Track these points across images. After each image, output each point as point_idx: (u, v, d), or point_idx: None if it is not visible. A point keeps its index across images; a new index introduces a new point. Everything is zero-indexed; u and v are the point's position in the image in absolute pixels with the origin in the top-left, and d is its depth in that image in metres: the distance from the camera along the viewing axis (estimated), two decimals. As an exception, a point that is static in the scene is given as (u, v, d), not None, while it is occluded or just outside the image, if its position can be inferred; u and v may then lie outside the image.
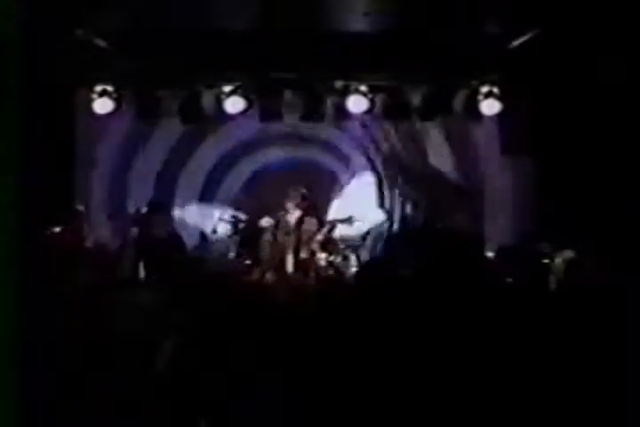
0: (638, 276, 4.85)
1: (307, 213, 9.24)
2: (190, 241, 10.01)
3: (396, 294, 4.30)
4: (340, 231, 9.48)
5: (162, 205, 9.55)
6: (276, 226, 9.21)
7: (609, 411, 3.71)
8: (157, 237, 8.84)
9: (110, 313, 3.96)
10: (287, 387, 3.69)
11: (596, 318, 4.15)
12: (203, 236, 10.24)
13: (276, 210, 9.33)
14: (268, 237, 9.16)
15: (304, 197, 9.21)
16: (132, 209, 9.57)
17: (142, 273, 8.20)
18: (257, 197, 9.85)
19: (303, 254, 8.98)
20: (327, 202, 9.89)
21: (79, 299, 4.34)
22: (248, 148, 10.31)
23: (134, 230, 8.95)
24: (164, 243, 8.79)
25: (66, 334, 3.85)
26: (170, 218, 9.74)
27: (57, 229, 8.33)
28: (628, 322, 4.06)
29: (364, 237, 9.93)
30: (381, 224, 10.11)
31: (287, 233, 9.16)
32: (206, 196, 10.46)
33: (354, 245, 9.59)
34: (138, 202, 9.68)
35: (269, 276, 8.61)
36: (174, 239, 9.14)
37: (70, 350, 3.74)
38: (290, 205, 9.24)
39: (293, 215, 9.26)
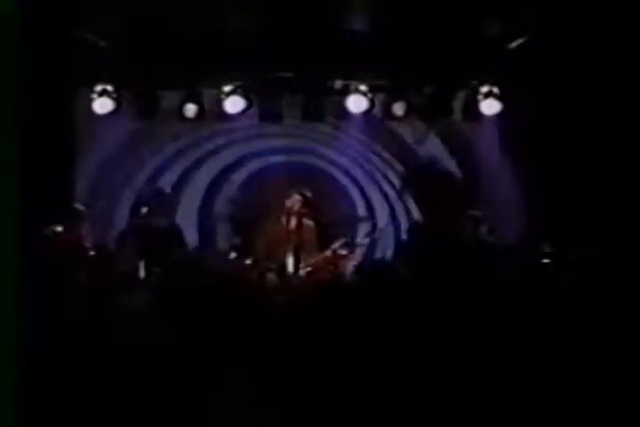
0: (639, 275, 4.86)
1: (308, 215, 9.18)
2: (190, 241, 9.99)
3: (397, 295, 4.30)
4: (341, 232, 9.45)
5: (161, 193, 9.53)
6: (277, 224, 9.14)
7: (610, 413, 3.71)
8: (157, 227, 8.79)
9: (110, 314, 3.96)
10: (287, 387, 3.69)
11: (596, 318, 4.15)
12: (202, 236, 10.23)
13: (276, 211, 9.28)
14: (267, 237, 9.10)
15: (306, 200, 9.12)
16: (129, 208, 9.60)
17: (142, 273, 8.19)
18: (256, 198, 9.82)
19: (304, 255, 8.93)
20: (327, 203, 9.86)
21: (80, 299, 4.34)
22: (248, 148, 10.29)
23: (134, 226, 8.96)
24: (163, 232, 8.74)
25: (65, 334, 3.85)
26: (169, 208, 9.65)
27: (57, 229, 8.33)
28: (629, 322, 4.06)
29: (365, 238, 9.92)
30: (383, 226, 10.10)
31: (288, 234, 9.12)
32: (206, 196, 10.43)
33: (355, 246, 9.59)
34: (136, 202, 9.69)
35: (269, 276, 8.57)
36: (174, 230, 9.07)
37: (69, 351, 3.74)
38: (291, 207, 9.13)
39: (294, 217, 9.22)
